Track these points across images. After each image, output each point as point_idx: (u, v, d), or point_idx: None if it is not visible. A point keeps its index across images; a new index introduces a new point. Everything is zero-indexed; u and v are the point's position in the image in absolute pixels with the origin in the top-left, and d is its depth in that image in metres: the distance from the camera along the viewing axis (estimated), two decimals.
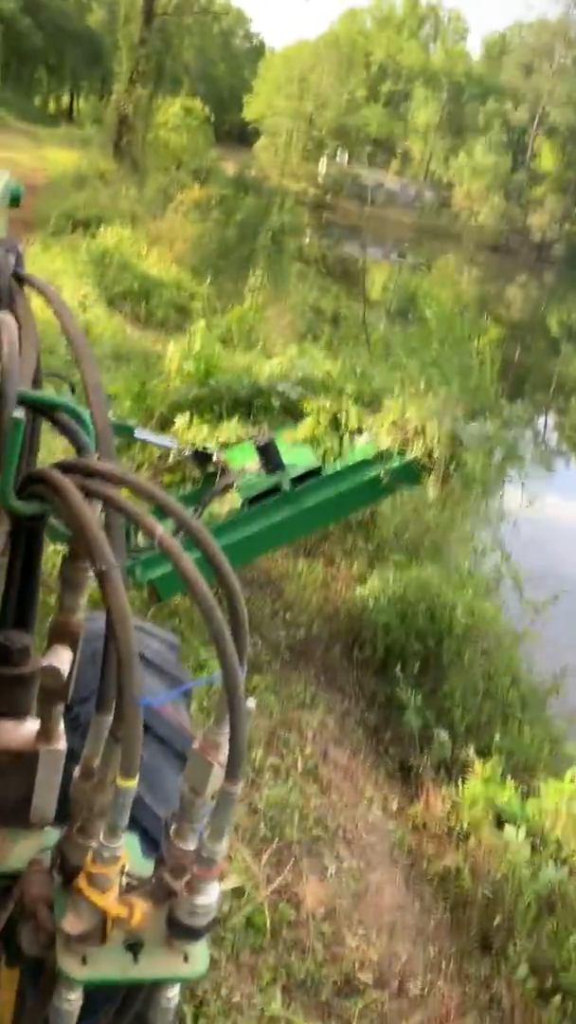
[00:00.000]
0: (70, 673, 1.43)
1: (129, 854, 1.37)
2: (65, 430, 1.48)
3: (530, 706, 6.22)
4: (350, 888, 4.44)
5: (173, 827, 1.36)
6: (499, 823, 4.88)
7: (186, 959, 1.37)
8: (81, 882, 1.30)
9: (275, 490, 5.68)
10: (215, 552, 1.31)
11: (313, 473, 5.83)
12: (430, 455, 5.70)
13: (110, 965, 1.33)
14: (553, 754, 5.86)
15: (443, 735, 5.53)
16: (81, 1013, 1.34)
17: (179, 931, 1.35)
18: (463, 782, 5.18)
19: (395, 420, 5.88)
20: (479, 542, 7.85)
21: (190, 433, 6.82)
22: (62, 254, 15.76)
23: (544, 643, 6.74)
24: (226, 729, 1.28)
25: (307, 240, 28.78)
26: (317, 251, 28.05)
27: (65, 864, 1.38)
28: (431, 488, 5.87)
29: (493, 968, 4.23)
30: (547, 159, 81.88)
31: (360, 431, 6.21)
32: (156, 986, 1.40)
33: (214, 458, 6.05)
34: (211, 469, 6.08)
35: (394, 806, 5.24)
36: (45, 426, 1.57)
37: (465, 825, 4.95)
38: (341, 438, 6.23)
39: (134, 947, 1.35)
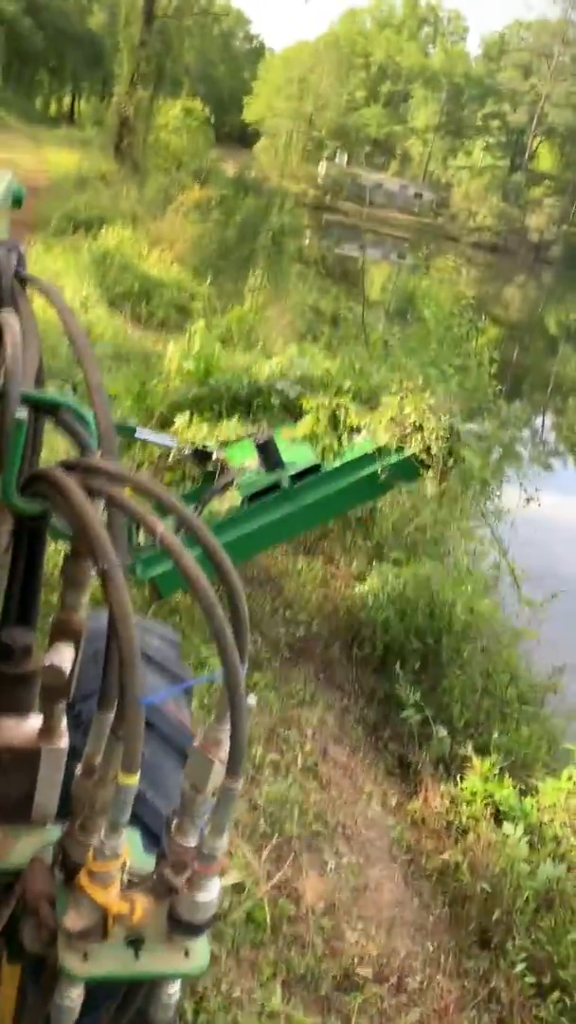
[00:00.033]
0: (72, 671, 1.43)
1: (130, 850, 1.38)
2: (68, 429, 1.49)
3: (528, 704, 6.23)
4: (349, 883, 4.45)
5: (174, 823, 1.36)
6: (497, 820, 4.89)
7: (187, 955, 1.38)
8: (83, 879, 1.31)
9: (274, 487, 5.70)
10: (216, 549, 1.32)
11: (312, 470, 5.85)
12: (428, 451, 5.72)
13: (111, 961, 1.34)
14: (551, 752, 5.87)
15: (442, 732, 5.54)
16: (82, 1009, 1.35)
17: (180, 927, 1.36)
18: (462, 778, 5.20)
19: (393, 417, 5.89)
20: (477, 540, 7.85)
21: (190, 432, 6.83)
22: (63, 255, 15.76)
23: (542, 641, 6.75)
24: (227, 726, 1.29)
25: (307, 241, 28.77)
26: (317, 252, 28.05)
27: (67, 861, 1.39)
28: (429, 484, 5.88)
29: (492, 964, 4.24)
30: (545, 160, 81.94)
31: (358, 428, 6.22)
32: (157, 982, 1.40)
33: (214, 456, 6.06)
34: (211, 467, 6.09)
35: (393, 802, 5.25)
36: (46, 426, 1.59)
37: (464, 821, 4.96)
38: (340, 435, 6.24)
39: (135, 943, 1.36)
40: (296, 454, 6.02)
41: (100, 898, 1.30)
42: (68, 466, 1.40)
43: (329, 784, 5.11)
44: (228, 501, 5.94)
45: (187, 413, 7.18)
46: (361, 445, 6.03)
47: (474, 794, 5.02)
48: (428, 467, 5.74)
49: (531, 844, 4.67)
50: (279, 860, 4.33)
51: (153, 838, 1.61)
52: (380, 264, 44.01)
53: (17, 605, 1.58)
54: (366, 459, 5.83)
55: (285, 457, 5.84)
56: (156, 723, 1.99)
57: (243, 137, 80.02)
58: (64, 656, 1.41)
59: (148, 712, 1.27)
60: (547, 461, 17.85)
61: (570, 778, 5.05)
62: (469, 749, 5.31)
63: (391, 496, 7.20)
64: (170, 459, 6.35)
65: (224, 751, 1.29)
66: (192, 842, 1.35)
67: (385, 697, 6.07)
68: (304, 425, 6.44)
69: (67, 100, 72.10)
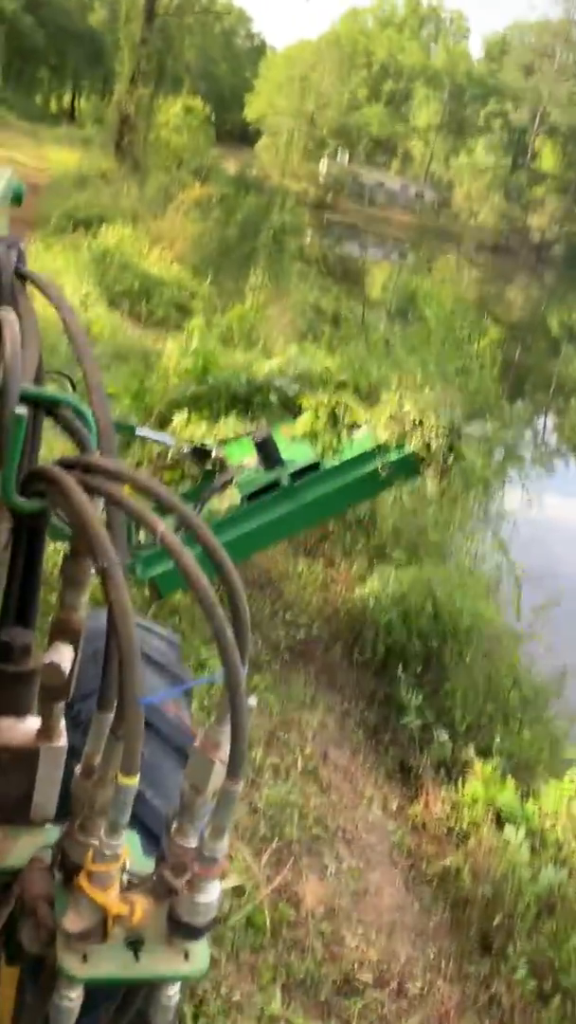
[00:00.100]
0: (71, 671, 1.42)
1: (130, 852, 1.37)
2: (67, 427, 1.48)
3: (531, 707, 6.21)
4: (350, 888, 4.44)
5: (174, 825, 1.35)
6: (499, 824, 4.88)
7: (187, 957, 1.37)
8: (82, 880, 1.30)
9: (274, 485, 5.69)
10: (217, 549, 1.31)
11: (312, 468, 5.83)
12: (428, 447, 5.70)
13: (111, 963, 1.33)
14: (553, 755, 5.86)
15: (443, 735, 5.52)
16: (81, 1010, 1.34)
17: (180, 929, 1.35)
18: (463, 782, 5.18)
19: (393, 413, 5.88)
20: (479, 542, 7.83)
21: (188, 430, 6.81)
22: (63, 253, 15.76)
23: (543, 644, 6.73)
24: (227, 727, 1.28)
25: (308, 240, 28.79)
26: (318, 251, 28.06)
27: (66, 862, 1.38)
28: (429, 481, 5.86)
29: (493, 968, 4.22)
30: (547, 160, 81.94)
31: (358, 425, 6.21)
32: (157, 984, 1.39)
33: (213, 455, 6.05)
34: (210, 466, 6.08)
35: (394, 806, 5.24)
36: (46, 424, 1.57)
37: (465, 825, 4.94)
38: (339, 433, 6.22)
39: (135, 945, 1.35)
40: (295, 452, 6.01)
41: (100, 899, 1.29)
42: (67, 464, 1.39)
43: (329, 788, 5.10)
44: (227, 500, 5.93)
45: (185, 411, 7.17)
46: (361, 442, 6.01)
47: (475, 798, 5.01)
48: (428, 464, 5.73)
49: (533, 848, 4.66)
50: (279, 864, 4.32)
51: (152, 838, 1.60)
52: (381, 263, 44.03)
53: (16, 604, 1.57)
54: (366, 456, 5.82)
55: (284, 455, 5.83)
56: (156, 723, 1.97)
57: (244, 135, 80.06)
58: (63, 655, 1.40)
59: (147, 712, 1.26)
60: (549, 462, 17.84)
61: (572, 781, 5.03)
62: (471, 753, 5.30)
63: (392, 497, 7.19)
64: (169, 458, 6.33)
65: (225, 752, 1.28)
66: (192, 844, 1.34)
67: (386, 700, 6.06)
68: (303, 422, 6.42)
69: (67, 98, 72.22)
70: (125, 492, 1.36)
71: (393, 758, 5.68)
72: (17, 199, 2.18)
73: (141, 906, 1.31)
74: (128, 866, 1.35)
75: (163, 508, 1.36)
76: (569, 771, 5.15)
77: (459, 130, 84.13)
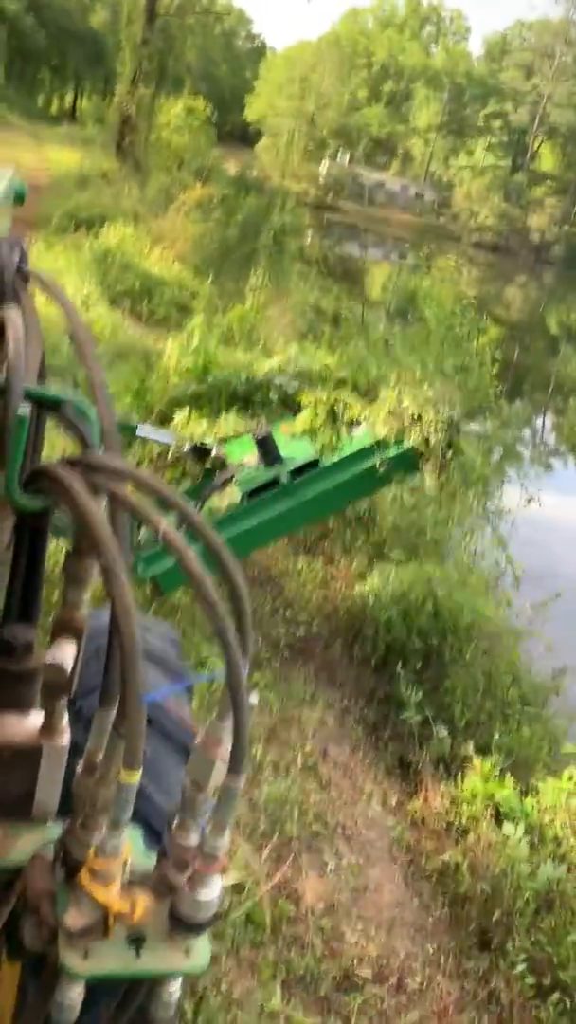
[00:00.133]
0: (73, 668, 1.43)
1: (131, 848, 1.37)
2: (70, 426, 1.48)
3: (530, 704, 6.22)
4: (349, 884, 4.45)
5: (175, 822, 1.36)
6: (498, 820, 4.89)
7: (188, 953, 1.37)
8: (83, 877, 1.30)
9: (274, 483, 5.70)
10: (219, 547, 1.31)
11: (311, 465, 5.84)
12: (427, 442, 5.71)
13: (112, 960, 1.33)
14: (552, 753, 5.87)
15: (443, 732, 5.53)
16: (83, 1006, 1.35)
17: (181, 925, 1.35)
18: (462, 779, 5.19)
19: (391, 409, 5.88)
20: (479, 540, 7.84)
21: (188, 428, 6.82)
22: (64, 253, 15.75)
23: (541, 641, 6.74)
24: (228, 724, 1.28)
25: (308, 240, 28.76)
26: (318, 251, 28.03)
27: (67, 859, 1.38)
28: (428, 476, 5.87)
29: (491, 964, 4.23)
30: (547, 160, 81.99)
31: (357, 422, 6.21)
32: (158, 980, 1.40)
33: (213, 453, 6.06)
34: (210, 464, 6.09)
35: (393, 802, 5.24)
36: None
37: (464, 821, 4.95)
38: (338, 430, 6.23)
39: (136, 942, 1.35)
40: (295, 449, 6.02)
41: (101, 896, 1.29)
42: (71, 462, 1.39)
43: (329, 784, 5.11)
44: (228, 498, 5.94)
45: (186, 409, 7.17)
46: (360, 439, 6.02)
47: (474, 794, 5.02)
48: (427, 459, 5.74)
49: (531, 845, 4.66)
50: (279, 860, 4.33)
51: (153, 833, 1.60)
52: (381, 264, 44.03)
53: (19, 602, 1.58)
54: (365, 453, 5.83)
55: (284, 452, 5.84)
56: (157, 718, 1.98)
57: (245, 136, 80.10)
58: (66, 653, 1.40)
59: (149, 708, 1.27)
60: (548, 461, 17.85)
61: (571, 778, 5.04)
62: (470, 749, 5.30)
63: (392, 495, 7.20)
64: (169, 456, 6.34)
65: (226, 749, 1.29)
66: (194, 840, 1.34)
67: (385, 697, 6.07)
68: (302, 420, 6.43)
69: (69, 98, 72.16)
70: (128, 490, 1.36)
71: (392, 754, 5.69)
72: (19, 198, 2.19)
73: (142, 903, 1.32)
74: (129, 863, 1.36)
75: (165, 506, 1.37)
76: (567, 768, 5.16)
77: (459, 130, 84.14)
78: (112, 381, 8.17)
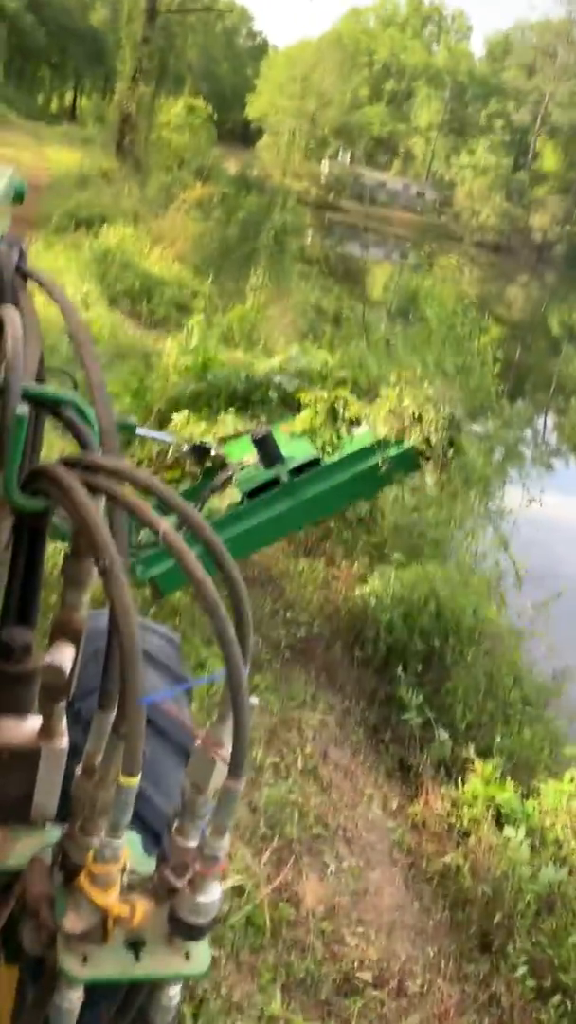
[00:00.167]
0: (72, 670, 1.42)
1: (131, 852, 1.36)
2: (69, 426, 1.47)
3: (531, 705, 6.20)
4: (350, 887, 4.43)
5: (175, 824, 1.35)
6: (499, 823, 4.87)
7: (188, 957, 1.37)
8: (82, 880, 1.29)
9: (274, 483, 5.68)
10: (219, 548, 1.30)
11: (311, 464, 5.83)
12: (428, 441, 5.69)
13: (111, 964, 1.32)
14: (553, 755, 5.85)
15: (443, 734, 5.52)
16: (82, 1010, 1.34)
17: (181, 929, 1.34)
18: (463, 781, 5.17)
19: (392, 408, 5.87)
20: (480, 541, 7.83)
21: (188, 428, 6.81)
22: (64, 253, 15.76)
23: (543, 642, 6.73)
24: (229, 726, 1.27)
25: (309, 239, 28.77)
26: (319, 250, 28.05)
27: (66, 862, 1.37)
28: (429, 475, 5.86)
29: (492, 967, 4.22)
30: (549, 159, 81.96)
31: (357, 421, 6.20)
32: (157, 984, 1.39)
33: (212, 453, 6.05)
34: (210, 464, 6.08)
35: (394, 805, 5.23)
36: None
37: (465, 824, 4.94)
38: (338, 429, 6.21)
39: (135, 945, 1.35)
40: (295, 449, 6.01)
41: (100, 900, 1.28)
42: (69, 463, 1.38)
43: (329, 787, 5.09)
44: (227, 498, 5.93)
45: (185, 410, 7.17)
46: (360, 438, 6.00)
47: (475, 797, 5.00)
48: (428, 458, 5.72)
49: (532, 847, 4.65)
50: (279, 863, 4.31)
51: (152, 835, 1.59)
52: (382, 263, 44.03)
53: (17, 603, 1.57)
54: (365, 452, 5.81)
55: (284, 452, 5.82)
56: (155, 719, 1.97)
57: (245, 135, 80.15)
58: (64, 655, 1.39)
59: (148, 710, 1.26)
60: (549, 461, 17.84)
61: (572, 781, 5.03)
62: (471, 751, 5.29)
63: (393, 496, 7.19)
64: (169, 456, 6.33)
65: (226, 751, 1.28)
66: (193, 843, 1.34)
67: (386, 699, 6.05)
68: (302, 419, 6.41)
69: (69, 97, 72.25)
70: (127, 491, 1.35)
71: (393, 757, 5.67)
72: (19, 197, 2.18)
73: (142, 907, 1.31)
74: (129, 866, 1.35)
75: (165, 507, 1.36)
76: (568, 771, 5.15)
77: (461, 130, 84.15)
78: (111, 381, 8.16)
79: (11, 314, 1.47)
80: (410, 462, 5.79)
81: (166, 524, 1.26)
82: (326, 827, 4.75)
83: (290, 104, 77.08)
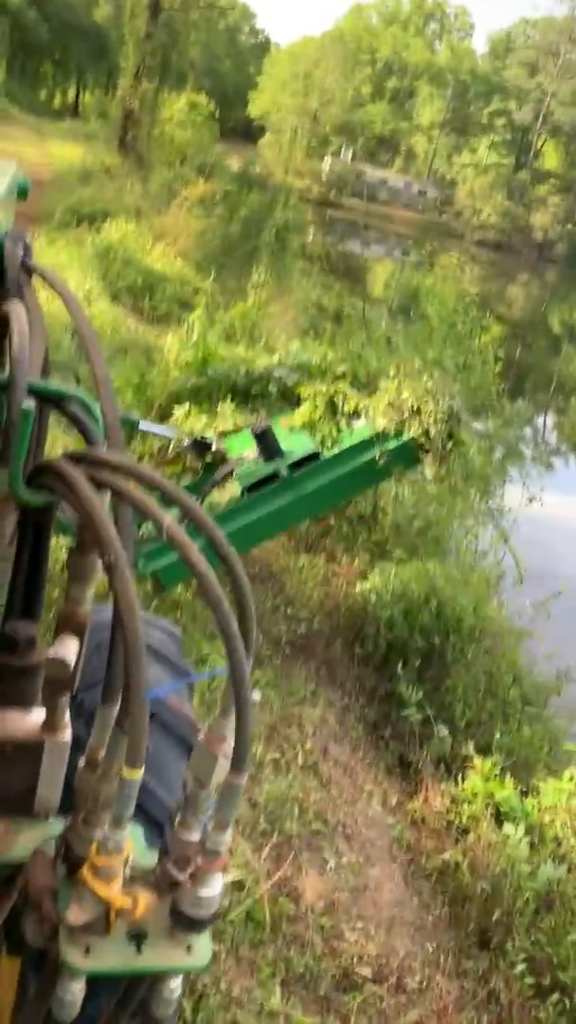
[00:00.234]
0: (76, 664, 1.42)
1: (133, 845, 1.37)
2: (74, 421, 1.48)
3: (531, 703, 6.21)
4: (349, 883, 4.45)
5: (177, 818, 1.35)
6: (498, 820, 4.88)
7: (189, 950, 1.37)
8: (85, 873, 1.30)
9: (274, 477, 5.68)
10: (222, 542, 1.31)
11: (311, 458, 5.83)
12: (427, 434, 5.69)
13: (113, 956, 1.33)
14: (552, 752, 5.86)
15: (443, 731, 5.52)
16: (84, 1001, 1.34)
17: (183, 922, 1.35)
18: (463, 778, 5.18)
19: (391, 401, 5.86)
20: (481, 538, 7.83)
21: (188, 423, 6.80)
22: (67, 248, 15.75)
23: (542, 641, 6.74)
24: (231, 721, 1.27)
25: (311, 237, 28.74)
26: (320, 248, 28.00)
27: (69, 854, 1.37)
28: (428, 468, 5.85)
29: (491, 964, 4.23)
30: (551, 158, 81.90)
31: (357, 415, 6.19)
32: (159, 977, 1.39)
33: (213, 447, 6.05)
34: (210, 459, 6.08)
35: (393, 801, 5.24)
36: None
37: (464, 821, 4.95)
38: (338, 422, 6.21)
39: (137, 938, 1.35)
40: (295, 443, 6.01)
41: (103, 892, 1.29)
42: (74, 458, 1.39)
43: (329, 783, 5.10)
44: (228, 492, 5.93)
45: (186, 404, 7.16)
46: (360, 431, 6.00)
47: (475, 794, 5.01)
48: (427, 451, 5.72)
49: (532, 845, 4.66)
50: (279, 859, 4.32)
51: (155, 827, 1.60)
52: (384, 261, 44.01)
53: (21, 597, 1.57)
54: (365, 445, 5.81)
55: (284, 446, 5.82)
56: (158, 712, 1.98)
57: (248, 132, 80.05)
58: (68, 649, 1.40)
59: (151, 704, 1.26)
60: (549, 460, 17.84)
61: (571, 779, 5.04)
62: (470, 749, 5.30)
63: (393, 493, 7.18)
64: (170, 451, 6.33)
65: (228, 746, 1.28)
66: (195, 837, 1.34)
67: (386, 695, 6.06)
68: (302, 413, 6.41)
69: (72, 92, 72.18)
70: (131, 486, 1.36)
71: (393, 753, 5.68)
72: (22, 193, 2.18)
73: (144, 900, 1.31)
74: (131, 859, 1.35)
75: (168, 502, 1.37)
76: (568, 769, 5.15)
77: (462, 128, 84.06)
78: (113, 377, 8.15)
79: (17, 309, 1.48)
80: (410, 455, 5.79)
81: (170, 519, 1.26)
82: (326, 823, 4.76)
83: (292, 101, 76.99)
